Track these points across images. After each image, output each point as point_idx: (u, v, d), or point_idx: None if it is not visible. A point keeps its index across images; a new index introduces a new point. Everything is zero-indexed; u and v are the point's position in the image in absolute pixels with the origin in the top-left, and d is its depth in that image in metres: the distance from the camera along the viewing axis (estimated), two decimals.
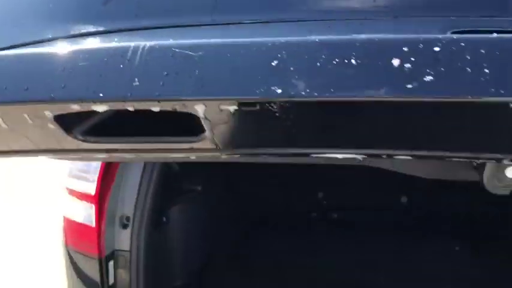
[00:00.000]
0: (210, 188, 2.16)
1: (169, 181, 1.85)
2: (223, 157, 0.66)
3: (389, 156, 0.61)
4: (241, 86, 0.51)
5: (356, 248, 2.23)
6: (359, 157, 0.61)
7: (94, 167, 1.40)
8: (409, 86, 0.48)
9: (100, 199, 1.40)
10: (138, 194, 1.45)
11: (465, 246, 2.25)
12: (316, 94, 0.49)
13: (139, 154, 0.66)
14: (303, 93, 0.48)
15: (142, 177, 1.46)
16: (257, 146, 0.60)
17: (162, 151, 0.64)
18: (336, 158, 0.60)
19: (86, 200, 1.40)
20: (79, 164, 1.45)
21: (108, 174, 1.41)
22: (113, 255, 1.44)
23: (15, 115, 0.57)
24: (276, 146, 0.59)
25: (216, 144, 0.59)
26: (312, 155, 0.61)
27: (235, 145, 0.61)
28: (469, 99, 0.49)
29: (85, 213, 1.42)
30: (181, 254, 1.95)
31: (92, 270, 1.43)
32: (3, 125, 0.58)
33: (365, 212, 2.55)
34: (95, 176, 1.39)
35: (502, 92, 0.48)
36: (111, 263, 1.44)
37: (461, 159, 0.64)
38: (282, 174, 2.55)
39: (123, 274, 1.46)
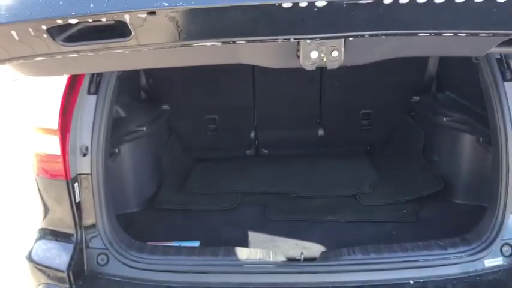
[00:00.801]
0: (155, 130, 2.53)
1: (119, 123, 2.20)
2: (145, 50, 1.05)
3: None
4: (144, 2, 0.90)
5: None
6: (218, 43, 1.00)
7: (55, 107, 1.72)
8: None
9: (62, 132, 1.73)
10: (93, 128, 1.78)
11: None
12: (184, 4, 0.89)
13: (96, 52, 1.02)
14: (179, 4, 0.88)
15: (95, 114, 1.79)
16: (163, 42, 1.00)
17: (111, 48, 1.02)
18: (207, 46, 1.01)
19: (51, 134, 1.73)
20: (42, 105, 1.77)
21: (67, 111, 1.74)
22: (76, 178, 1.78)
23: (23, 29, 0.93)
24: (171, 41, 0.99)
25: (138, 41, 0.98)
26: (193, 45, 1.01)
27: (150, 40, 1.00)
28: None
29: (51, 145, 1.75)
30: (133, 184, 2.33)
31: (61, 191, 1.77)
32: (16, 37, 0.94)
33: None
34: (56, 113, 1.72)
35: None
36: (76, 185, 1.78)
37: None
38: (219, 120, 2.95)
39: (86, 193, 1.81)
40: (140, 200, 2.38)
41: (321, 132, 3.03)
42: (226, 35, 0.99)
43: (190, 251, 1.87)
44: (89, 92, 1.79)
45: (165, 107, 2.82)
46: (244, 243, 2.01)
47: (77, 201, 1.79)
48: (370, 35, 1.00)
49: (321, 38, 1.07)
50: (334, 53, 1.15)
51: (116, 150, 2.12)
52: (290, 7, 0.90)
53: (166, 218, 2.28)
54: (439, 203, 2.29)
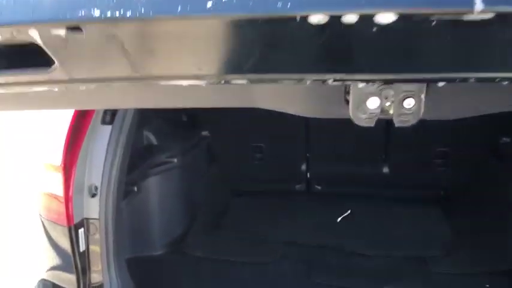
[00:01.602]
0: (190, 160, 2.21)
1: (144, 154, 1.91)
2: (81, 88, 0.68)
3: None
4: (65, 8, 0.54)
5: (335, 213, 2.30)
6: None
7: (60, 137, 1.45)
8: None
9: (66, 169, 1.45)
10: (104, 164, 1.50)
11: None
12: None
13: (8, 88, 0.68)
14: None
15: (108, 148, 1.50)
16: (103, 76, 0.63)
17: (26, 84, 0.67)
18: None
19: (53, 170, 1.46)
20: (47, 137, 1.51)
21: (74, 145, 1.46)
22: (82, 223, 1.50)
23: None
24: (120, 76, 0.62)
25: (67, 73, 0.62)
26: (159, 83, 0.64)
27: (82, 73, 0.63)
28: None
29: (53, 183, 1.48)
30: (158, 224, 2.01)
31: (64, 238, 1.49)
32: None
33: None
34: (60, 146, 1.44)
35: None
36: (81, 231, 1.50)
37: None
38: (266, 148, 2.60)
39: (94, 241, 1.52)
40: (165, 241, 2.06)
41: (385, 169, 2.58)
42: (208, 71, 0.60)
43: None
44: (103, 122, 1.51)
45: (205, 133, 2.51)
46: None
47: (81, 250, 1.50)
48: (477, 79, 0.59)
49: (385, 81, 0.67)
50: (408, 102, 0.73)
51: (135, 189, 1.82)
52: (325, 24, 0.52)
53: (192, 268, 1.95)
54: None
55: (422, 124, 2.31)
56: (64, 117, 1.49)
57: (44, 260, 1.62)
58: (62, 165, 1.44)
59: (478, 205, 2.30)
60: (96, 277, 1.52)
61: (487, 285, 1.74)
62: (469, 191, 2.40)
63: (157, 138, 2.13)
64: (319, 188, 2.69)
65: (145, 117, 1.73)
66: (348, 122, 2.21)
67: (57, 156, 1.45)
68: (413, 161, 2.52)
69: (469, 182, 2.41)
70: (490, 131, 2.30)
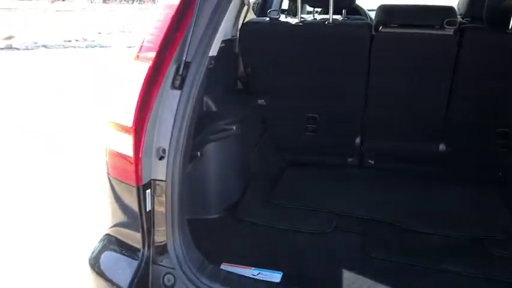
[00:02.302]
0: (246, 128, 2.22)
1: (204, 120, 1.92)
2: None
3: None
4: None
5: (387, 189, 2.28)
6: None
7: (132, 100, 1.47)
8: None
9: (137, 131, 1.48)
10: (173, 128, 1.51)
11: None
12: None
13: None
14: None
15: (176, 113, 1.52)
16: None
17: None
18: None
19: (124, 132, 1.49)
20: (118, 97, 1.53)
21: (144, 107, 1.48)
22: (149, 184, 1.53)
23: None
24: None
25: None
26: None
27: None
28: None
29: (124, 144, 1.51)
30: (216, 189, 2.05)
31: (131, 197, 1.54)
32: None
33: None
34: (132, 108, 1.47)
35: None
36: (148, 191, 1.53)
37: None
38: (320, 119, 2.58)
39: (159, 202, 1.56)
40: (222, 207, 2.11)
41: (442, 147, 2.51)
42: None
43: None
44: (173, 86, 1.52)
45: (261, 101, 2.50)
46: (336, 284, 1.64)
47: (147, 210, 1.55)
48: None
49: None
50: None
51: (198, 154, 1.85)
52: None
53: (247, 233, 1.99)
54: None
55: (485, 103, 2.26)
56: (135, 80, 1.50)
57: (109, 215, 1.68)
58: (133, 127, 1.47)
59: None
60: (160, 236, 1.57)
61: None
62: None
63: (216, 105, 2.14)
64: (372, 162, 2.66)
65: (207, 84, 1.74)
66: (410, 96, 2.19)
67: (129, 117, 1.47)
68: (472, 140, 2.44)
69: None
70: None
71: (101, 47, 12.54)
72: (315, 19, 2.49)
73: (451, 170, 2.49)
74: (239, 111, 2.23)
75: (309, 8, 2.99)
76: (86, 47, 12.33)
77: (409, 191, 2.32)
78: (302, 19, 2.41)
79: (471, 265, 1.74)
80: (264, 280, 1.62)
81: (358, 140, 2.63)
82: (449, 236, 1.93)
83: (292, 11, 3.39)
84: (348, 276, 1.70)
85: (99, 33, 14.03)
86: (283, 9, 3.48)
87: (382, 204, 2.17)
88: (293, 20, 2.45)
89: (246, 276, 1.62)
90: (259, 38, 2.46)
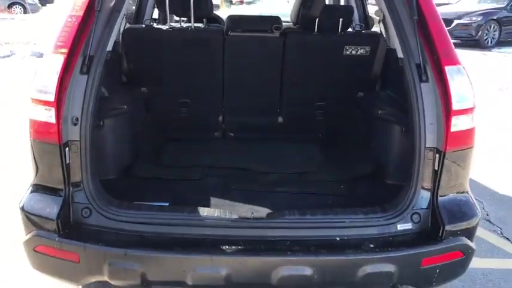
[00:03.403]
0: (133, 109, 2.89)
1: (103, 100, 2.56)
2: None
3: None
4: None
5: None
6: None
7: (52, 82, 2.07)
8: None
9: (58, 105, 2.08)
10: (83, 102, 2.14)
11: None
12: None
13: None
14: None
15: (85, 91, 2.14)
16: None
17: None
18: None
19: (49, 106, 2.08)
20: (41, 80, 2.11)
21: (62, 88, 2.09)
22: (67, 143, 2.14)
23: None
24: None
25: None
26: None
27: None
28: None
29: (47, 115, 2.10)
30: (113, 154, 2.69)
31: (54, 154, 2.12)
32: None
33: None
34: (53, 88, 2.07)
35: None
36: (66, 149, 2.13)
37: None
38: (191, 104, 3.34)
39: (75, 157, 2.16)
40: (118, 169, 2.75)
41: (280, 119, 3.45)
42: None
43: (161, 208, 2.26)
44: (81, 72, 2.15)
45: (144, 89, 3.18)
46: (207, 206, 2.41)
47: (66, 162, 2.15)
48: None
49: None
50: None
51: (101, 123, 2.48)
52: None
53: (140, 185, 2.66)
54: (373, 181, 2.75)
55: (305, 86, 3.31)
56: (53, 68, 2.10)
57: (33, 172, 2.23)
58: (55, 102, 2.07)
59: (342, 142, 3.26)
60: (76, 181, 2.18)
61: (342, 186, 2.68)
62: (337, 133, 3.36)
63: (108, 92, 2.77)
64: (232, 134, 3.50)
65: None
66: (255, 85, 3.13)
67: (51, 95, 2.07)
68: (300, 113, 3.42)
69: (337, 126, 3.37)
70: (351, 89, 3.25)
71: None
72: (182, 26, 3.24)
73: (287, 134, 3.44)
74: (127, 96, 2.90)
75: (176, 18, 3.73)
76: None
77: (259, 150, 3.20)
78: (171, 26, 3.15)
79: (294, 187, 2.65)
80: (155, 205, 2.32)
81: (220, 118, 3.45)
82: (282, 173, 2.84)
83: (161, 20, 4.11)
84: (214, 201, 2.48)
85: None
86: (154, 18, 4.17)
87: (239, 159, 3.01)
88: (164, 27, 3.17)
89: (143, 204, 2.31)
90: (139, 41, 3.13)
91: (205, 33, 3.19)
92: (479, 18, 14.77)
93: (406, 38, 2.20)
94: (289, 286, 2.07)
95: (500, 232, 3.71)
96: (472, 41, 14.90)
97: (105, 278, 2.07)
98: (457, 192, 2.23)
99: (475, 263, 3.14)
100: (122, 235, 2.12)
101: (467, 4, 17.26)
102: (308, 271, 2.00)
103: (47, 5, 30.98)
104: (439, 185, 2.16)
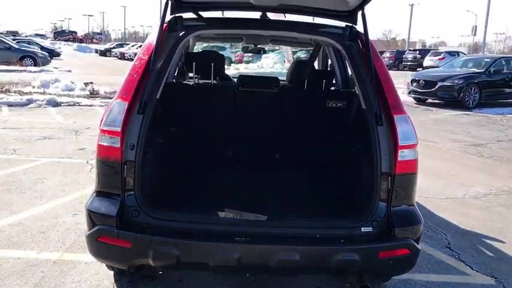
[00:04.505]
0: (166, 142, 3.78)
1: (148, 135, 3.44)
2: None
3: None
4: None
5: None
6: None
7: (119, 119, 2.95)
8: None
9: (122, 134, 2.95)
10: (139, 133, 3.01)
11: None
12: None
13: None
14: None
15: (140, 126, 3.02)
16: None
17: None
18: None
19: (115, 135, 2.95)
20: (111, 117, 2.99)
21: (125, 122, 2.96)
22: (126, 162, 2.98)
23: None
24: None
25: None
26: None
27: None
28: None
29: (114, 141, 2.96)
30: (153, 171, 3.53)
31: (116, 169, 2.96)
32: None
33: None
34: (120, 123, 2.94)
35: None
36: (125, 166, 2.98)
37: None
38: (208, 140, 4.22)
39: (129, 172, 2.99)
40: (156, 183, 3.57)
41: (277, 156, 4.33)
42: None
43: (191, 211, 3.08)
44: (138, 112, 3.03)
45: (173, 129, 4.08)
46: (224, 211, 3.23)
47: (124, 176, 2.99)
48: None
49: None
50: None
51: (147, 150, 3.34)
52: None
53: (172, 195, 3.48)
54: (348, 196, 3.57)
55: (297, 129, 4.33)
56: (119, 110, 2.99)
57: (97, 182, 3.06)
58: (120, 132, 2.94)
59: (328, 172, 4.12)
60: (129, 190, 3.00)
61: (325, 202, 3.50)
62: (324, 166, 4.24)
63: (153, 128, 3.63)
64: (238, 167, 4.36)
65: None
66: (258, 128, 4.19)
67: (118, 127, 2.95)
68: (293, 150, 4.30)
69: (323, 162, 4.25)
70: (332, 133, 4.16)
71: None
72: (204, 82, 4.19)
73: (282, 167, 4.30)
74: (163, 133, 3.79)
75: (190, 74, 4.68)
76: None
77: (261, 172, 4.06)
78: (196, 82, 4.11)
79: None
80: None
81: (230, 153, 4.32)
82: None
83: (181, 76, 5.12)
84: (229, 208, 3.29)
85: None
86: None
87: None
88: (190, 82, 4.13)
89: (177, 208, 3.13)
90: (174, 92, 4.05)
91: (222, 88, 4.14)
92: (460, 81, 16.04)
93: (367, 95, 3.13)
94: (284, 268, 2.85)
95: (458, 256, 4.50)
96: (455, 102, 16.10)
97: (149, 260, 2.85)
98: (406, 205, 3.07)
99: (435, 278, 3.99)
100: (162, 229, 2.92)
101: (450, 68, 18.70)
102: (297, 257, 2.79)
103: (53, 58, 32.56)
104: (391, 199, 3.00)
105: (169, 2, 3.26)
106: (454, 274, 4.15)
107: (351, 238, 2.94)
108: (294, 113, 4.13)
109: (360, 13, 3.28)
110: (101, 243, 2.91)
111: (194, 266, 2.92)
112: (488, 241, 4.91)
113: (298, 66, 4.16)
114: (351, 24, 3.44)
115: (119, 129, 2.95)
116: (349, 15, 3.40)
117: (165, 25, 3.30)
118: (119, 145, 2.95)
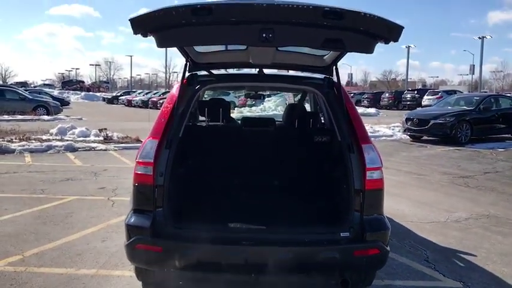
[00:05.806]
0: (186, 170, 4.67)
1: (173, 165, 4.34)
2: None
3: None
4: None
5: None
6: None
7: (152, 153, 3.86)
8: None
9: (155, 164, 3.85)
10: (166, 164, 3.90)
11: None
12: None
13: None
14: None
15: (168, 158, 3.92)
16: None
17: None
18: None
19: (149, 165, 3.85)
20: (145, 152, 3.89)
21: (156, 155, 3.87)
22: (156, 186, 3.86)
23: None
24: None
25: None
26: None
27: None
28: None
29: (147, 170, 3.86)
30: (178, 192, 4.39)
31: (149, 191, 3.84)
32: None
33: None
34: (152, 155, 3.85)
35: None
36: (156, 190, 3.86)
37: None
38: (217, 170, 5.10)
39: (159, 193, 3.86)
40: (177, 203, 4.42)
41: (276, 182, 5.19)
42: None
43: (208, 224, 3.92)
44: (165, 147, 3.94)
45: (190, 161, 4.97)
46: (233, 222, 4.06)
47: (155, 196, 3.86)
48: None
49: None
50: None
51: (173, 177, 4.23)
52: None
53: (192, 211, 4.32)
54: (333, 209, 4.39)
55: (292, 159, 5.33)
56: (152, 146, 3.91)
57: (133, 202, 3.92)
58: (153, 163, 3.85)
59: (319, 192, 4.97)
60: (159, 208, 3.85)
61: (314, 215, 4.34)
62: (314, 189, 5.09)
63: (177, 159, 4.54)
64: (243, 193, 5.23)
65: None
66: (260, 156, 5.18)
67: (151, 159, 3.85)
68: (289, 177, 5.17)
69: (314, 185, 5.11)
70: (319, 162, 5.05)
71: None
72: (210, 124, 5.14)
73: (280, 191, 5.15)
74: (183, 164, 4.68)
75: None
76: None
77: (262, 193, 4.89)
78: (207, 124, 5.06)
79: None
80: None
81: (236, 181, 5.19)
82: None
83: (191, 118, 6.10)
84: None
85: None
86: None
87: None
88: (202, 124, 5.07)
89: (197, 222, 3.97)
90: (190, 132, 4.97)
91: (229, 128, 5.09)
92: (452, 119, 16.95)
93: (341, 130, 4.05)
94: (281, 264, 3.66)
95: (434, 267, 5.25)
96: (448, 138, 16.94)
97: (175, 261, 3.68)
98: (376, 214, 3.90)
99: (412, 283, 4.79)
100: (185, 236, 3.76)
101: (442, 106, 19.71)
102: (291, 255, 3.62)
103: (63, 107, 33.99)
104: (363, 209, 3.85)
105: (188, 63, 4.25)
106: (428, 280, 4.91)
107: (332, 241, 3.77)
108: (288, 147, 5.04)
109: (334, 68, 4.27)
110: (138, 249, 3.74)
111: (210, 265, 3.73)
112: (462, 255, 5.66)
113: (291, 109, 5.20)
114: (328, 76, 4.41)
115: (151, 160, 3.85)
116: (326, 69, 4.39)
117: (184, 80, 4.27)
118: (151, 173, 3.83)
